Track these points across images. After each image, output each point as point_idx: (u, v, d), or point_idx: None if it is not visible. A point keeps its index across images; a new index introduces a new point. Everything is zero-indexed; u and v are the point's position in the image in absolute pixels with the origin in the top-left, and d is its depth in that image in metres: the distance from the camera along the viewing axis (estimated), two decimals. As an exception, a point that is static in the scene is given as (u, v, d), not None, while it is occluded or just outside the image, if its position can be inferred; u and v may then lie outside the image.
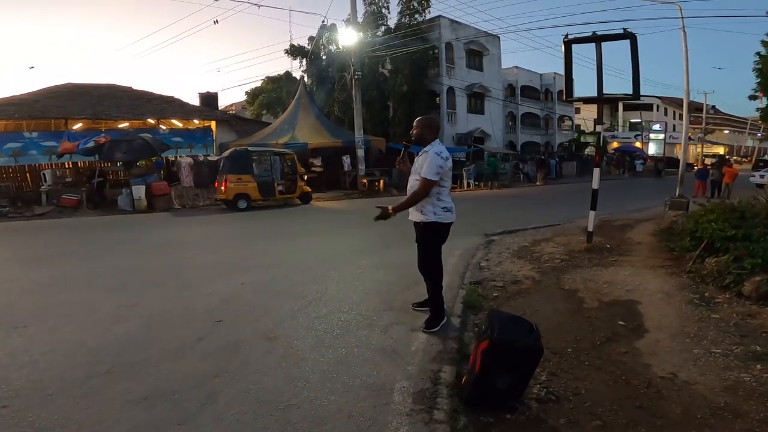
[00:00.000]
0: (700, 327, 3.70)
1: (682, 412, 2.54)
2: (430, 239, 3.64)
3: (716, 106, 62.90)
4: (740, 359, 3.10)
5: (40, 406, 2.57)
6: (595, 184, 6.78)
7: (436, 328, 3.63)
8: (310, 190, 15.32)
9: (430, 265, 3.68)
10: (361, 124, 18.88)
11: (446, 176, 3.55)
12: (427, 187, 3.48)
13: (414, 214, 3.65)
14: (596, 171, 6.96)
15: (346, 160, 19.88)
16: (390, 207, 3.64)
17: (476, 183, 22.60)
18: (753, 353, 3.17)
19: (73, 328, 3.81)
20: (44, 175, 15.27)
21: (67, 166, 16.78)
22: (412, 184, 3.62)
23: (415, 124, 3.68)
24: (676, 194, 11.91)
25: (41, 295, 4.82)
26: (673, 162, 34.63)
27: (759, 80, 18.24)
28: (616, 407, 2.60)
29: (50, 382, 2.85)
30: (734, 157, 52.48)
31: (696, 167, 22.64)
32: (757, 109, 22.43)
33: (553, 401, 2.68)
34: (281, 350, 3.32)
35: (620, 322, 3.87)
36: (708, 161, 26.94)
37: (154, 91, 21.99)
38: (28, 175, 16.78)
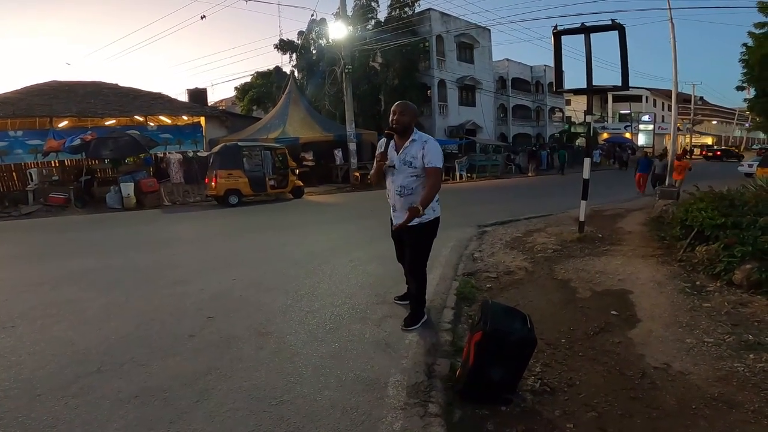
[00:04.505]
0: (692, 316, 3.70)
1: (676, 402, 2.53)
2: (429, 238, 3.43)
3: (704, 97, 63.39)
4: (733, 348, 3.10)
5: (29, 407, 2.53)
6: (585, 174, 6.80)
7: (417, 326, 3.53)
8: (302, 184, 15.26)
9: (421, 266, 3.50)
10: (353, 118, 18.82)
11: None
12: (440, 176, 3.32)
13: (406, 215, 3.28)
14: (587, 161, 6.98)
15: (338, 153, 19.82)
16: (417, 207, 3.16)
17: (468, 174, 22.65)
18: (745, 342, 3.17)
19: (62, 328, 3.74)
20: (30, 174, 15.07)
21: (53, 165, 16.55)
22: (404, 181, 3.31)
23: (398, 110, 3.30)
24: (665, 184, 12.01)
25: (29, 295, 4.75)
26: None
27: (746, 71, 18.39)
28: (611, 398, 2.59)
29: (39, 382, 2.80)
30: (722, 147, 53.04)
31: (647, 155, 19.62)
32: (745, 100, 22.65)
33: (548, 393, 2.67)
34: (274, 345, 3.29)
35: (613, 312, 3.87)
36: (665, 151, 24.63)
37: (142, 88, 21.69)
38: (14, 174, 16.50)
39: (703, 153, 44.25)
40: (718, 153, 39.29)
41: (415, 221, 3.26)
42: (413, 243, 3.44)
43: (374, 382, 2.76)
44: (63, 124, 18.13)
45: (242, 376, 2.84)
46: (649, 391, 2.65)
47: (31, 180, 14.85)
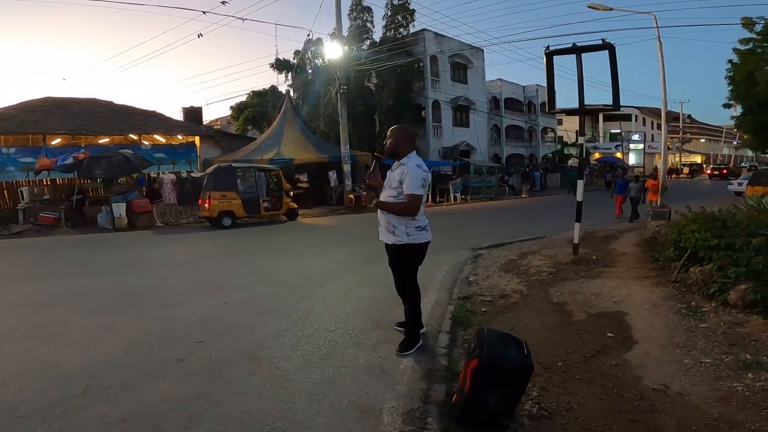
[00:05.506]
0: (688, 337, 3.70)
1: (676, 424, 2.52)
2: (404, 262, 3.42)
3: (692, 116, 64.53)
4: (731, 368, 3.10)
5: (9, 428, 2.49)
6: (579, 196, 6.84)
7: (411, 351, 3.47)
8: (296, 206, 15.19)
9: (408, 289, 3.49)
10: (347, 139, 18.86)
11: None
12: (416, 203, 3.24)
13: (386, 235, 3.42)
14: (580, 183, 7.02)
15: (333, 175, 19.81)
16: (375, 200, 3.43)
17: (462, 196, 22.69)
18: (743, 362, 3.17)
19: (48, 350, 3.68)
20: (21, 192, 14.92)
21: (45, 183, 16.42)
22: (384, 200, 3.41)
23: (389, 133, 3.42)
24: (658, 204, 12.07)
25: (15, 316, 4.68)
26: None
27: (732, 88, 18.68)
28: (610, 421, 2.56)
29: (21, 404, 2.75)
30: (711, 165, 53.78)
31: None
32: (732, 117, 22.98)
33: (546, 417, 2.63)
34: (266, 371, 3.22)
35: (609, 334, 3.85)
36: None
37: (136, 106, 21.71)
38: (5, 192, 16.33)
39: (707, 172, 45.78)
40: (724, 171, 42.39)
41: (391, 240, 3.38)
42: (392, 263, 3.50)
43: (369, 408, 2.70)
44: (56, 141, 18.04)
45: (233, 402, 2.78)
46: (648, 413, 2.63)
47: (22, 198, 14.71)
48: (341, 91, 18.68)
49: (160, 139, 20.74)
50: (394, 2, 25.82)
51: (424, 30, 27.15)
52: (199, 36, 23.90)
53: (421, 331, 3.76)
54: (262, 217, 14.11)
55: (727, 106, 21.00)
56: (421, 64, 27.02)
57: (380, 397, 2.84)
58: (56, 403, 2.76)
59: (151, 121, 20.68)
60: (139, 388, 2.96)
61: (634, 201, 12.97)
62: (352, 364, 3.34)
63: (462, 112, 30.30)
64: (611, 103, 6.44)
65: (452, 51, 28.64)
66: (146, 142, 19.91)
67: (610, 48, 6.20)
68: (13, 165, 15.80)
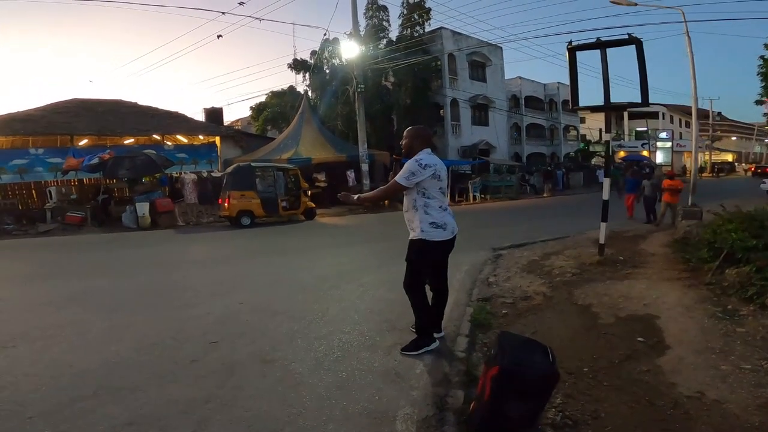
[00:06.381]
0: (725, 341, 3.49)
1: (714, 434, 2.34)
2: (415, 257, 3.38)
3: (722, 113, 62.62)
4: (772, 375, 2.88)
5: (18, 429, 2.47)
6: (605, 195, 6.60)
7: (414, 353, 3.37)
8: (314, 205, 15.21)
9: (411, 286, 3.40)
10: (365, 138, 18.81)
11: (430, 187, 3.28)
12: (392, 190, 3.42)
13: (410, 233, 3.45)
14: (606, 181, 6.79)
15: (351, 174, 19.78)
16: (357, 196, 3.61)
17: (482, 196, 22.40)
18: (786, 369, 2.95)
19: (62, 349, 3.69)
20: (50, 192, 15.33)
21: (72, 183, 16.83)
22: (404, 199, 3.46)
23: (404, 134, 3.52)
24: (689, 203, 11.63)
25: (35, 314, 4.72)
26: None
27: (764, 84, 18.02)
28: (640, 431, 2.41)
29: (31, 405, 2.73)
30: (742, 164, 52.04)
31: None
32: (764, 115, 22.18)
33: (570, 426, 2.49)
34: (278, 374, 3.15)
35: (639, 339, 3.66)
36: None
37: (159, 107, 22.11)
38: (33, 192, 16.83)
39: (751, 169, 45.04)
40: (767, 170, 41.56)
41: (411, 236, 3.39)
42: (407, 257, 3.45)
43: (382, 415, 2.60)
44: (83, 142, 18.54)
45: (243, 406, 2.71)
46: (683, 422, 2.48)
47: (51, 198, 15.09)
48: (358, 90, 18.64)
49: (183, 139, 21.09)
50: (409, 0, 25.61)
51: (441, 28, 26.92)
52: (218, 37, 24.10)
53: (440, 334, 3.67)
54: (280, 216, 14.17)
55: (759, 102, 20.28)
56: (439, 63, 26.79)
57: (394, 403, 2.73)
58: (66, 404, 2.74)
59: (174, 121, 21.06)
60: (150, 390, 2.92)
61: (649, 201, 11.64)
62: (366, 367, 3.23)
63: (481, 110, 29.94)
64: (639, 100, 6.17)
65: (470, 49, 28.31)
66: (169, 143, 20.28)
67: (637, 42, 5.95)
68: (42, 165, 16.28)
